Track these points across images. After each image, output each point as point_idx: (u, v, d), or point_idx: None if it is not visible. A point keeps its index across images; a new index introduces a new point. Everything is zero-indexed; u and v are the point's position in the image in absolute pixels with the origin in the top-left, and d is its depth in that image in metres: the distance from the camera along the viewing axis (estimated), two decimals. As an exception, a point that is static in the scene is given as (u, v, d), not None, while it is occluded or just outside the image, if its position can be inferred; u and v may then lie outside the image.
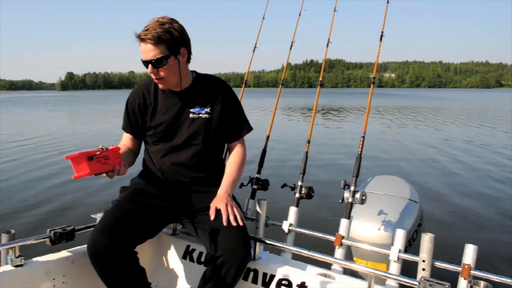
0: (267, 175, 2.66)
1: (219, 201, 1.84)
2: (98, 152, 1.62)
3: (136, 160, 2.12)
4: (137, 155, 2.13)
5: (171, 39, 1.83)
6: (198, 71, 2.11)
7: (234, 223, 1.75)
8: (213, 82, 2.07)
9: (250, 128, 2.12)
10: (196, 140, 1.99)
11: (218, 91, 2.04)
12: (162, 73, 1.87)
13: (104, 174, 1.67)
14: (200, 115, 1.99)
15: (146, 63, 1.85)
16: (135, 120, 2.05)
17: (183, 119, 1.99)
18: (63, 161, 1.68)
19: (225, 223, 1.75)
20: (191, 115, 1.99)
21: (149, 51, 1.81)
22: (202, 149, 2.00)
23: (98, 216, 2.05)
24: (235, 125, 2.07)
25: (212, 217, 1.80)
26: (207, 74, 2.11)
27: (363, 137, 2.41)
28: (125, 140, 2.09)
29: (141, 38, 1.82)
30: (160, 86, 1.95)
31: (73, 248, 1.96)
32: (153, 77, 1.89)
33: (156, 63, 1.83)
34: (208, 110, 2.00)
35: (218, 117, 2.01)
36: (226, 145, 2.15)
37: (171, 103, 2.00)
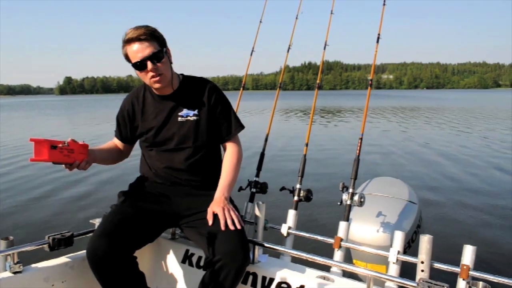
0: (265, 178, 2.66)
1: (216, 206, 1.83)
2: (61, 145, 1.68)
3: (134, 165, 2.14)
4: (124, 156, 2.18)
5: (160, 36, 1.90)
6: (197, 75, 2.12)
7: (232, 227, 1.75)
8: (200, 83, 2.06)
9: (241, 127, 2.10)
10: (186, 143, 2.00)
11: (205, 92, 2.03)
12: (161, 68, 1.87)
13: (64, 166, 1.74)
14: (188, 117, 1.99)
15: (143, 61, 1.83)
16: (125, 127, 2.09)
17: (172, 123, 2.00)
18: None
19: (223, 228, 1.74)
20: (179, 119, 1.99)
21: (146, 48, 1.82)
22: (194, 152, 2.00)
23: (97, 222, 2.05)
24: (225, 124, 2.05)
25: (210, 222, 1.79)
26: (193, 76, 2.10)
27: (361, 139, 2.42)
28: (116, 141, 2.15)
29: (135, 38, 1.82)
30: (157, 85, 1.91)
31: (72, 254, 1.96)
32: (153, 74, 1.86)
33: (155, 58, 1.84)
34: (195, 112, 2.00)
35: (207, 118, 2.01)
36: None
37: (160, 108, 2.01)
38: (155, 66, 1.85)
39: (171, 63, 1.97)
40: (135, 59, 1.85)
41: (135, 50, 1.83)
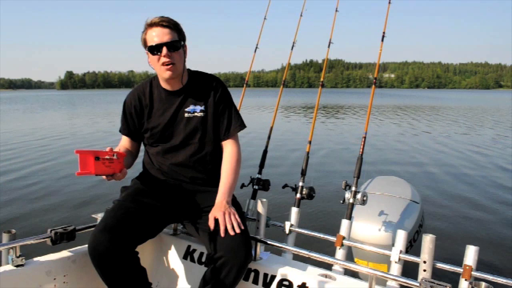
0: (268, 176, 2.66)
1: (217, 211, 1.81)
2: (107, 157, 1.65)
3: (137, 160, 2.12)
4: (135, 157, 2.13)
5: (182, 30, 1.93)
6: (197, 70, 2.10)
7: (231, 232, 1.72)
8: (206, 79, 2.05)
9: (241, 126, 2.07)
10: (193, 139, 1.99)
11: (211, 88, 2.02)
12: (175, 58, 1.88)
13: (104, 177, 1.69)
14: (195, 113, 1.98)
15: (160, 46, 1.84)
16: (132, 123, 2.06)
17: (179, 119, 1.99)
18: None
19: (222, 234, 1.72)
20: (186, 115, 1.98)
21: (166, 34, 1.85)
22: (199, 148, 2.00)
23: (99, 216, 2.05)
24: (226, 122, 2.03)
25: (211, 227, 1.77)
26: (199, 71, 2.09)
27: (364, 137, 2.41)
28: (124, 142, 2.09)
29: (158, 23, 1.84)
30: (168, 74, 1.89)
31: (74, 248, 1.96)
32: (166, 61, 1.86)
33: (172, 46, 1.85)
34: (202, 108, 1.99)
35: (213, 114, 2.00)
36: None
37: (167, 104, 2.00)
38: (170, 54, 1.85)
39: (185, 59, 1.97)
40: (151, 42, 1.85)
41: (155, 34, 1.85)
